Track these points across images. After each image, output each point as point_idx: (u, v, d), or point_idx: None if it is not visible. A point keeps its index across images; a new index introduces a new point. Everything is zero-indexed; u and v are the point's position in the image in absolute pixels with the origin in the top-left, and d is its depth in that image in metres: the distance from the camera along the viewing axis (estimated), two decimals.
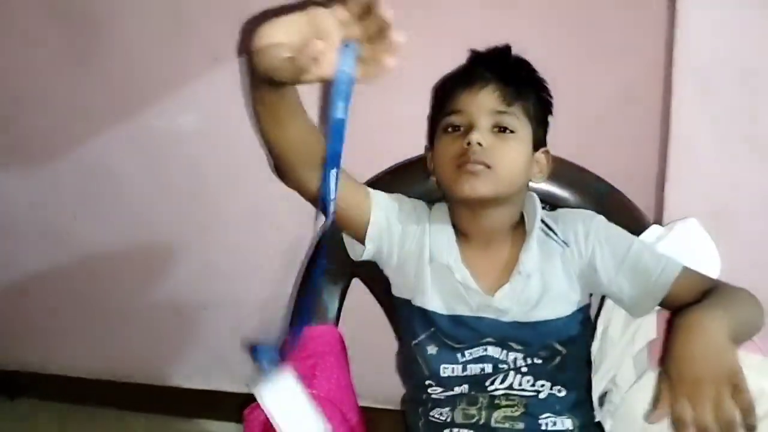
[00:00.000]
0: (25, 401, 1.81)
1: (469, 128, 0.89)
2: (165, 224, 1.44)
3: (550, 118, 0.99)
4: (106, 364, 1.68)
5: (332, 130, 0.63)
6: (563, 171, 1.03)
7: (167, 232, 1.45)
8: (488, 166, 0.87)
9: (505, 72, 0.92)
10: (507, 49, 0.97)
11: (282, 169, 0.83)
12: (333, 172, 0.67)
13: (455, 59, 1.03)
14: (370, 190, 0.94)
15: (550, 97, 0.98)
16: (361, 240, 0.93)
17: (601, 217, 0.97)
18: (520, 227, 0.96)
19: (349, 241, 0.97)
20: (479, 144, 0.87)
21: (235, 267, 1.44)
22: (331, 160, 0.66)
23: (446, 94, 0.95)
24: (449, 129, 0.92)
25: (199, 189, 1.38)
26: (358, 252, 0.95)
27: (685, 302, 0.82)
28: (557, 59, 1.01)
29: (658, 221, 1.05)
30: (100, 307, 1.60)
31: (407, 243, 0.95)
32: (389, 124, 1.18)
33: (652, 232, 0.99)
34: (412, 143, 1.10)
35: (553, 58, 1.00)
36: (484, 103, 0.89)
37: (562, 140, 1.00)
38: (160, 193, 1.41)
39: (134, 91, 1.32)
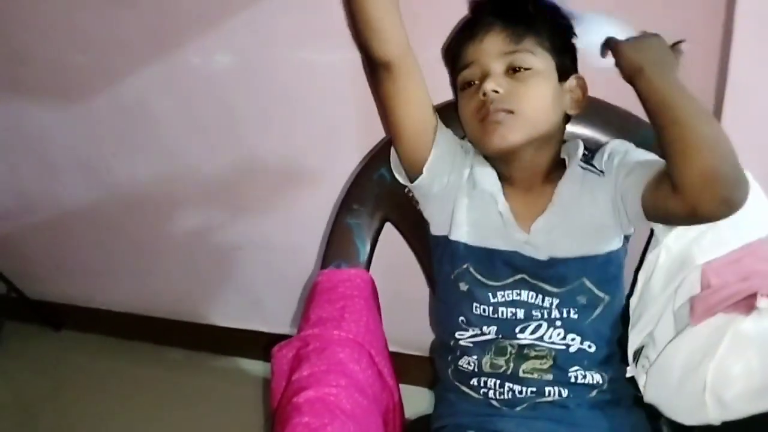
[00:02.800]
0: (69, 333, 1.88)
1: (483, 78, 0.86)
2: (200, 163, 1.44)
3: (578, 46, 0.93)
4: (145, 299, 1.73)
5: None
6: (609, 116, 0.98)
7: (203, 172, 1.45)
8: (510, 111, 0.84)
9: (507, 11, 0.87)
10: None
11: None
12: None
13: None
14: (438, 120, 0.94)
15: (566, 20, 0.91)
16: (417, 165, 0.92)
17: (630, 144, 0.94)
18: (561, 171, 0.92)
19: (397, 166, 0.97)
20: (495, 92, 0.84)
21: (269, 208, 1.44)
22: None
23: (454, 52, 0.92)
24: (465, 86, 0.90)
25: (234, 129, 1.37)
26: (408, 177, 0.96)
27: (663, 201, 0.79)
28: None
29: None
30: (138, 244, 1.63)
31: (453, 175, 0.94)
32: (426, 65, 1.14)
33: None
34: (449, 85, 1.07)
35: None
36: (490, 49, 0.86)
37: (610, 84, 0.94)
38: (196, 132, 1.41)
39: (171, 27, 1.29)
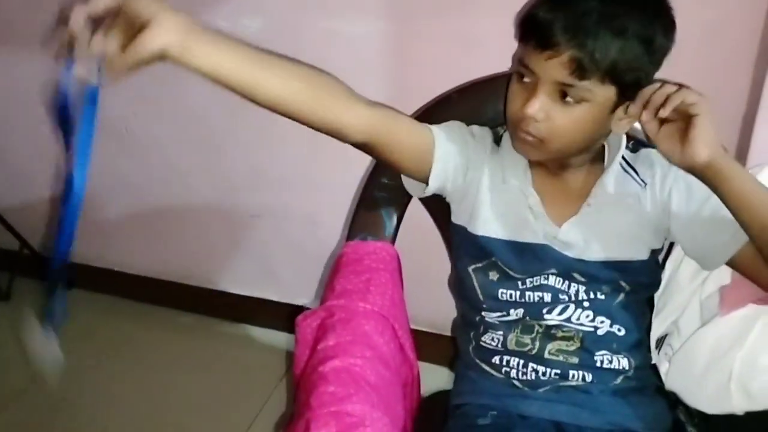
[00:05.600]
0: (80, 292, 1.87)
1: (534, 88, 0.79)
2: (222, 129, 1.43)
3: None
4: (159, 263, 1.73)
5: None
6: None
7: (224, 137, 1.45)
8: (540, 140, 0.81)
9: (583, 33, 0.74)
10: None
11: (309, 121, 0.80)
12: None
13: None
14: (432, 127, 0.89)
15: (665, 40, 0.79)
16: (424, 178, 0.90)
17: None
18: (599, 159, 0.90)
19: (408, 181, 0.95)
20: (535, 118, 0.79)
21: (289, 178, 1.44)
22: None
23: (522, 37, 0.83)
24: (519, 76, 0.82)
25: None
26: (419, 190, 0.93)
27: (754, 268, 0.82)
28: None
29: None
30: (155, 207, 1.63)
31: (469, 172, 0.91)
32: (463, 39, 1.13)
33: None
34: (483, 62, 1.05)
35: None
36: (550, 73, 0.77)
37: None
38: (219, 96, 1.35)
39: None
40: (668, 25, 0.79)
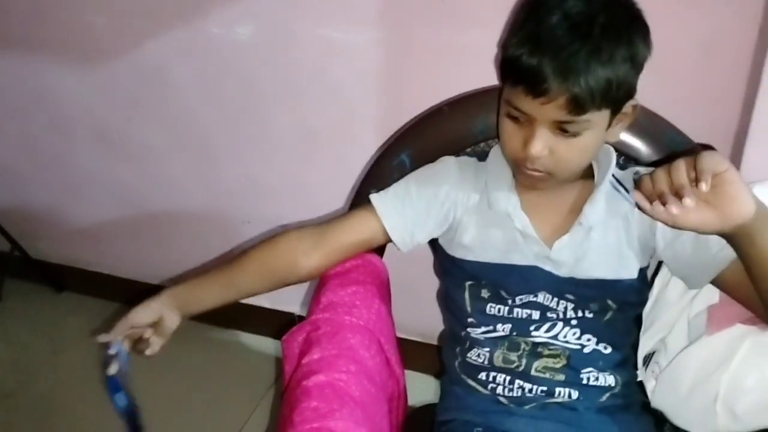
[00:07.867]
0: (71, 295, 1.88)
1: (531, 127, 0.78)
2: (215, 135, 1.43)
3: None
4: (150, 267, 1.73)
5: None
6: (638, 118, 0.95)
7: (217, 143, 1.44)
8: (548, 173, 0.81)
9: (575, 73, 0.72)
10: (582, 23, 0.74)
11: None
12: None
13: None
14: (374, 200, 0.94)
15: (646, 49, 0.78)
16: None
17: None
18: (589, 176, 0.89)
19: None
20: (539, 157, 0.79)
21: (282, 185, 1.43)
22: None
23: (507, 80, 0.80)
24: (512, 117, 0.81)
25: (252, 103, 1.35)
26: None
27: (740, 289, 0.80)
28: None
29: None
30: (147, 211, 1.62)
31: (450, 212, 0.93)
32: (455, 51, 1.12)
33: None
34: (476, 74, 1.05)
35: None
36: (547, 115, 0.76)
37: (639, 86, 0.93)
38: (213, 102, 1.39)
39: None
40: (645, 31, 0.78)
